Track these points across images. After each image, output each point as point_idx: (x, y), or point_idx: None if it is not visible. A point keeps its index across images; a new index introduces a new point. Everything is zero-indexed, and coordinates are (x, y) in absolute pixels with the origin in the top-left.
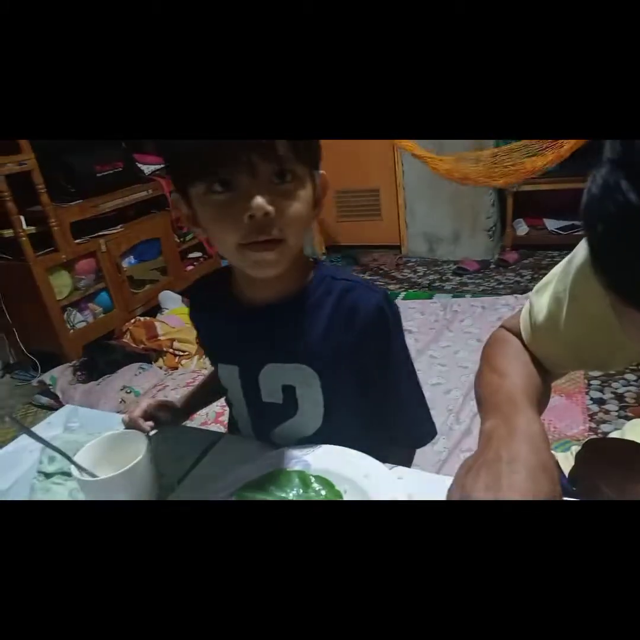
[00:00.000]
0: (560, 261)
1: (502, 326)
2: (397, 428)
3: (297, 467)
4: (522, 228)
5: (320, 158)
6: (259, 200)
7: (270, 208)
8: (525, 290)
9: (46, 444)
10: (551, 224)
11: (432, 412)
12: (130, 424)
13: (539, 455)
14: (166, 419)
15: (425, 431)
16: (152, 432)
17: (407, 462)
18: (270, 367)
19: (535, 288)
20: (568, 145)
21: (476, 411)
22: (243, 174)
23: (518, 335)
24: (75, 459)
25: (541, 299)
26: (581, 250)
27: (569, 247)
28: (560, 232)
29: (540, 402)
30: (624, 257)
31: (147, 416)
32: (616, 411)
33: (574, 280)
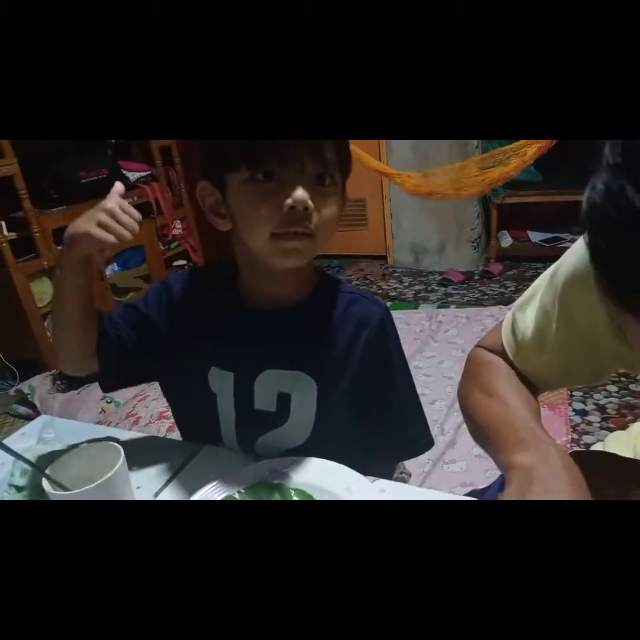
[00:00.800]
0: (544, 273)
1: (479, 346)
2: (396, 440)
3: (277, 480)
4: (506, 240)
5: (351, 170)
6: (302, 192)
7: (310, 202)
8: (509, 301)
9: (17, 456)
10: (535, 236)
11: None
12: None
13: (582, 491)
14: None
15: (423, 443)
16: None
17: (390, 473)
18: (268, 373)
19: (516, 303)
20: (531, 151)
21: (460, 422)
22: (290, 169)
23: (500, 353)
24: (48, 471)
25: (526, 313)
26: (566, 262)
27: (553, 259)
28: (544, 244)
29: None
30: (630, 263)
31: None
32: (598, 422)
33: (563, 292)
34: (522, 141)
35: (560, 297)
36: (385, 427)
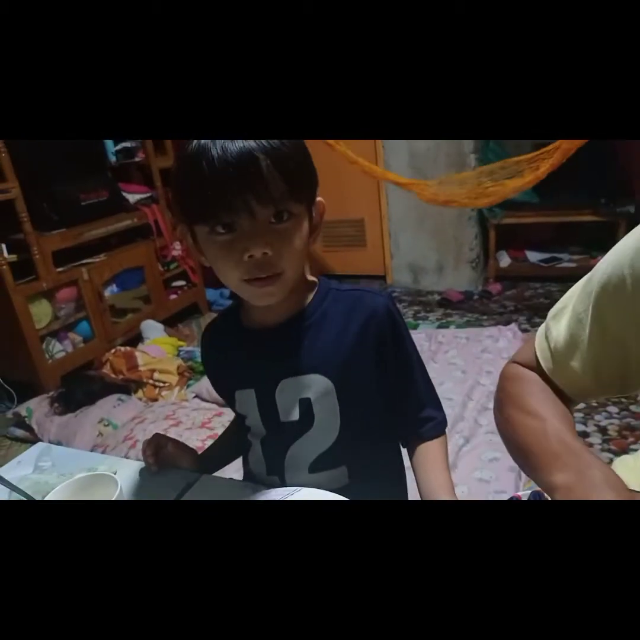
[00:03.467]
0: (542, 292)
1: (514, 362)
2: (414, 420)
3: None
4: (504, 260)
5: (316, 192)
6: (258, 242)
7: (267, 249)
8: (508, 321)
9: (12, 487)
10: (533, 256)
11: None
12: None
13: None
14: (181, 462)
15: (439, 419)
16: (159, 471)
17: (446, 451)
18: (286, 382)
19: (550, 313)
20: (544, 167)
21: (461, 445)
22: (243, 218)
23: (534, 367)
24: None
25: (560, 323)
26: (600, 270)
27: (551, 278)
28: (542, 264)
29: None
30: None
31: (160, 455)
32: (600, 444)
33: (598, 299)
34: (534, 154)
35: (595, 304)
36: (404, 411)
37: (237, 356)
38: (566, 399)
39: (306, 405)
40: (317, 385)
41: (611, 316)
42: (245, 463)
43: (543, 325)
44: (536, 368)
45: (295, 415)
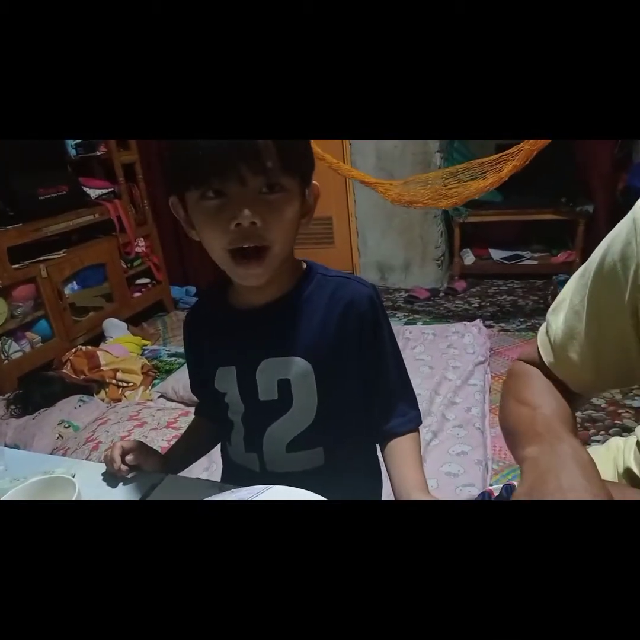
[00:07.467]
0: (505, 289)
1: (519, 359)
2: (384, 413)
3: None
4: (469, 257)
5: (312, 172)
6: (246, 210)
7: (256, 218)
8: (473, 317)
9: None
10: (496, 254)
11: None
12: (107, 463)
13: (597, 484)
14: (147, 466)
15: (412, 416)
16: (130, 475)
17: (419, 448)
18: (267, 362)
19: (550, 309)
20: (507, 169)
21: (429, 439)
22: (234, 184)
23: (537, 363)
24: None
25: (558, 317)
26: (593, 261)
27: (514, 276)
28: (505, 261)
29: (574, 430)
30: None
31: (125, 459)
32: None
33: (592, 289)
34: (497, 156)
35: (590, 294)
36: (375, 403)
37: (222, 335)
38: (570, 395)
39: (285, 386)
40: (296, 368)
41: (606, 305)
42: (226, 443)
43: (544, 322)
44: (539, 364)
45: (273, 394)
